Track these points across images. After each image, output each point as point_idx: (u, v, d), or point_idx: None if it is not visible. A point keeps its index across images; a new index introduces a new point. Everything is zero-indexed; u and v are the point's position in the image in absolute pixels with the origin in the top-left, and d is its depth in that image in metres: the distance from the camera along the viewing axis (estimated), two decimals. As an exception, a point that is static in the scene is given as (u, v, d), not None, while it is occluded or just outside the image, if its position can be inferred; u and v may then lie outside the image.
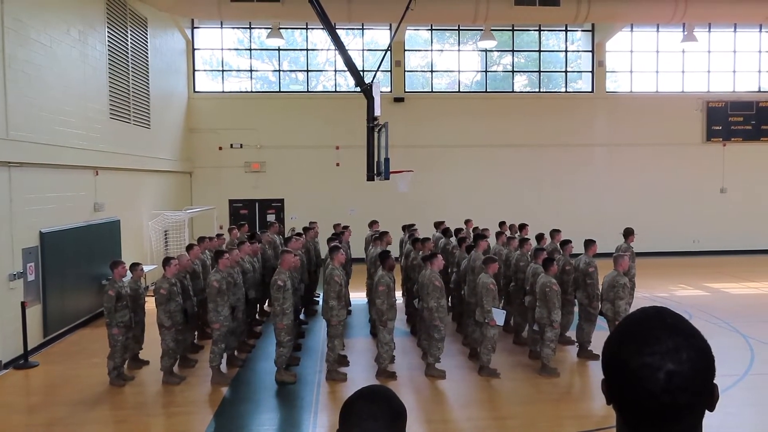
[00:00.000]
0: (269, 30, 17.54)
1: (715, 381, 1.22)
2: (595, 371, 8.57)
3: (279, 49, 19.03)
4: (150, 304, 8.58)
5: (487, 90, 19.62)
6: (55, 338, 10.26)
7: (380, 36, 19.69)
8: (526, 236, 11.41)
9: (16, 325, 8.94)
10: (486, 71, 19.81)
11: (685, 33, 18.04)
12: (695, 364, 1.18)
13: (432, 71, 19.66)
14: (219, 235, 12.05)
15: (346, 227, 12.60)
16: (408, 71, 19.40)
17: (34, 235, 9.63)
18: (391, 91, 18.76)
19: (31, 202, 9.51)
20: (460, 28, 19.38)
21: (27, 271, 9.37)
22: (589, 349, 9.06)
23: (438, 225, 13.29)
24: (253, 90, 19.24)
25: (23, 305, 9.02)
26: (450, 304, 10.67)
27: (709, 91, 19.90)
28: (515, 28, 19.58)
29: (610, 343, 1.27)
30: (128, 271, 8.64)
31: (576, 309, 9.51)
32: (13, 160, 8.96)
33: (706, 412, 1.22)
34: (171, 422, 7.16)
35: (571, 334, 9.65)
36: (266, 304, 11.79)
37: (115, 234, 12.49)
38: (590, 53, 19.67)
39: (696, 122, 19.69)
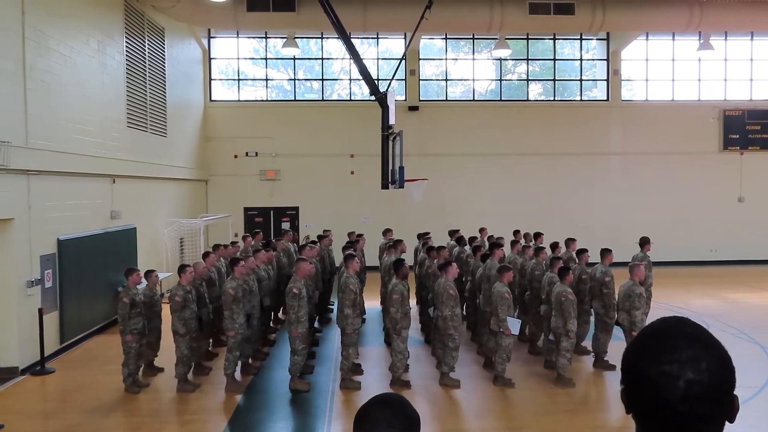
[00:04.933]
0: (285, 39, 17.69)
1: (735, 392, 1.20)
2: (611, 382, 8.47)
3: (294, 58, 19.17)
4: (166, 311, 8.64)
5: (502, 99, 19.59)
6: (72, 345, 10.35)
7: (395, 45, 19.77)
8: (540, 245, 11.35)
9: (34, 331, 9.04)
10: (500, 80, 19.80)
11: (702, 41, 17.93)
12: (715, 374, 1.16)
13: (446, 80, 19.69)
14: (234, 243, 12.11)
15: (360, 235, 12.61)
16: (422, 80, 19.45)
17: (51, 242, 9.74)
18: (405, 100, 18.81)
19: (49, 210, 9.63)
20: (475, 37, 19.40)
21: (45, 278, 9.47)
22: (605, 359, 8.97)
23: (452, 233, 13.26)
24: (269, 99, 19.37)
25: (41, 312, 9.11)
26: (464, 312, 10.63)
27: (725, 99, 19.72)
28: (530, 37, 19.57)
29: (629, 352, 1.26)
30: (144, 279, 8.71)
31: (592, 319, 9.43)
32: (32, 168, 9.09)
33: (727, 423, 1.20)
34: (185, 430, 7.17)
35: (587, 344, 9.55)
36: (281, 311, 11.82)
37: (132, 241, 12.60)
38: (605, 62, 19.60)
39: (713, 131, 19.50)
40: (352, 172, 18.51)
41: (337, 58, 19.67)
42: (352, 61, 13.02)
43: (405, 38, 18.51)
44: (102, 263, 11.17)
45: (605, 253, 9.42)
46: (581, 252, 9.85)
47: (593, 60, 20.15)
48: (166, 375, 8.66)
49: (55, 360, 9.63)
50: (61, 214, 10.00)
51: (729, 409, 1.19)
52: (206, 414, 7.46)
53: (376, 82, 11.68)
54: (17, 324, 8.88)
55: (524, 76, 20.03)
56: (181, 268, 8.44)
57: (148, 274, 8.72)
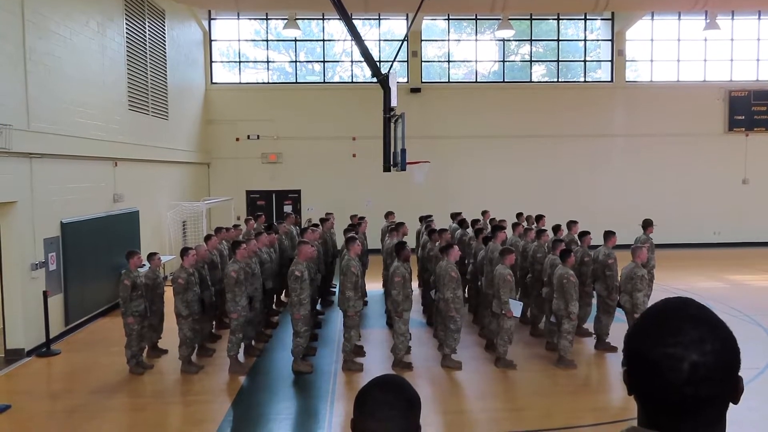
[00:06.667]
0: (286, 21, 17.54)
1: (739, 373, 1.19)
2: (613, 363, 8.51)
3: (296, 40, 19.02)
4: (168, 293, 8.68)
5: (505, 80, 19.44)
6: (77, 327, 10.43)
7: (397, 26, 19.59)
8: (542, 227, 11.34)
9: (39, 313, 9.10)
10: (503, 61, 19.63)
11: (708, 21, 17.71)
12: (720, 356, 1.15)
13: (449, 61, 19.53)
14: (236, 226, 12.13)
15: (362, 218, 12.60)
16: (425, 61, 19.30)
17: (55, 226, 9.76)
18: (407, 82, 18.68)
19: (52, 193, 9.63)
20: (478, 17, 19.21)
21: (49, 261, 9.51)
22: (606, 341, 9.00)
23: (455, 216, 13.25)
24: (270, 81, 19.26)
25: (45, 294, 9.17)
26: (466, 295, 10.65)
27: (731, 80, 19.54)
28: (533, 17, 19.36)
29: (632, 333, 1.24)
30: (146, 261, 8.74)
31: (594, 301, 9.44)
32: (35, 152, 9.07)
33: (730, 405, 1.20)
34: (189, 410, 7.24)
35: (589, 326, 9.58)
36: (283, 294, 11.86)
37: (134, 224, 12.62)
38: (610, 42, 19.40)
39: (718, 112, 19.35)
40: (354, 155, 18.45)
41: (338, 40, 19.51)
42: (353, 42, 12.90)
43: (407, 19, 18.33)
44: (105, 246, 11.20)
45: (608, 235, 9.41)
46: (583, 234, 9.84)
47: (597, 40, 19.95)
48: (169, 357, 8.72)
49: (60, 342, 9.71)
50: (64, 197, 10.01)
51: (733, 390, 1.18)
52: (210, 395, 7.52)
53: (377, 63, 11.57)
54: (22, 306, 8.95)
55: (528, 57, 19.85)
56: (184, 251, 8.47)
57: (151, 256, 8.76)
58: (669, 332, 1.17)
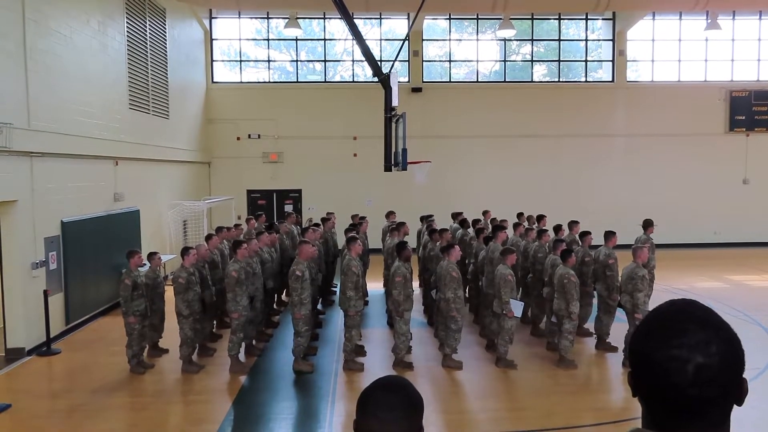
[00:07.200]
0: (287, 20, 17.54)
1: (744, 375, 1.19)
2: (613, 363, 8.51)
3: (297, 39, 19.01)
4: (169, 293, 8.68)
5: (506, 80, 19.43)
6: (77, 326, 10.43)
7: (398, 25, 19.58)
8: (543, 227, 11.34)
9: (39, 312, 9.10)
10: (505, 61, 19.62)
11: (709, 21, 17.70)
12: (725, 358, 1.15)
13: (450, 61, 19.52)
14: (237, 225, 12.12)
15: (363, 218, 12.60)
16: (426, 61, 19.29)
17: (55, 225, 9.76)
18: (408, 81, 18.67)
19: (52, 192, 9.63)
20: (479, 17, 19.20)
21: (49, 260, 9.51)
22: (607, 341, 9.00)
23: (455, 216, 13.25)
24: (271, 80, 19.26)
25: (46, 293, 9.16)
26: (467, 295, 10.65)
27: (732, 80, 19.52)
28: (534, 17, 19.35)
29: (637, 335, 1.24)
30: (146, 261, 8.74)
31: (594, 301, 9.44)
32: (35, 150, 9.07)
33: (734, 406, 1.20)
34: (190, 410, 7.24)
35: (590, 326, 9.58)
36: (284, 294, 11.86)
37: (135, 224, 12.62)
38: (611, 42, 19.38)
39: (719, 112, 19.34)
40: (355, 155, 18.45)
41: (339, 39, 19.50)
42: (354, 42, 12.90)
43: (408, 18, 18.34)
44: (106, 245, 11.19)
45: (609, 235, 9.41)
46: (584, 234, 9.84)
47: (599, 40, 19.94)
48: (170, 356, 8.72)
49: (60, 341, 9.71)
50: (65, 196, 10.00)
51: (737, 392, 1.18)
52: (210, 395, 7.53)
53: (379, 63, 11.57)
54: (23, 305, 8.95)
55: (529, 57, 19.84)
56: (185, 251, 8.47)
57: (151, 256, 8.75)
58: (674, 334, 1.17)
